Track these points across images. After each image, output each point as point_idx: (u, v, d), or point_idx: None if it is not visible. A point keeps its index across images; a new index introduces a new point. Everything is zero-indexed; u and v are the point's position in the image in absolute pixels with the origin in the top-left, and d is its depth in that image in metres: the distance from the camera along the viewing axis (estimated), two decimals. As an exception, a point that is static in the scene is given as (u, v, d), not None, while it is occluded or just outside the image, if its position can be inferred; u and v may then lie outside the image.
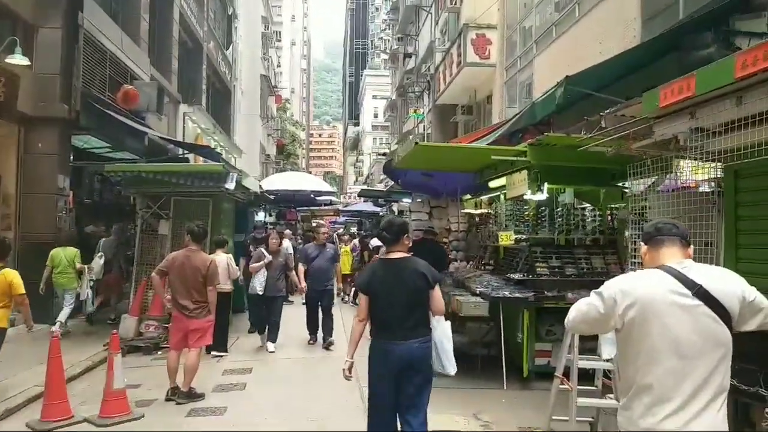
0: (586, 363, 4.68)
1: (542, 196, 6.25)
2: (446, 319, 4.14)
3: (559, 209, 6.80)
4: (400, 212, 16.08)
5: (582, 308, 2.54)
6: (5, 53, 8.91)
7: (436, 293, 4.00)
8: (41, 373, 6.28)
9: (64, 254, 9.20)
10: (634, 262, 4.93)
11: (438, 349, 4.01)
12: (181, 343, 6.36)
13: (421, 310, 3.97)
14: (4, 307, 5.91)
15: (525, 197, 6.41)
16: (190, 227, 6.72)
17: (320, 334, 9.27)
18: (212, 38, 22.87)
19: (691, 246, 2.58)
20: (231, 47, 27.39)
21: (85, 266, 9.45)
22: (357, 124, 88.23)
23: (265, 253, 8.68)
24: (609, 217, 6.65)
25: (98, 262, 9.75)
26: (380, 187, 34.23)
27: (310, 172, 73.88)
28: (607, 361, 4.49)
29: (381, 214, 24.43)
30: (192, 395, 6.23)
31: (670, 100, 4.10)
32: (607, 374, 4.90)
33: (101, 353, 8.03)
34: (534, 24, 13.95)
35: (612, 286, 2.45)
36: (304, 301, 9.56)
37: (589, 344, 5.27)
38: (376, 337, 4.04)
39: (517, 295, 6.15)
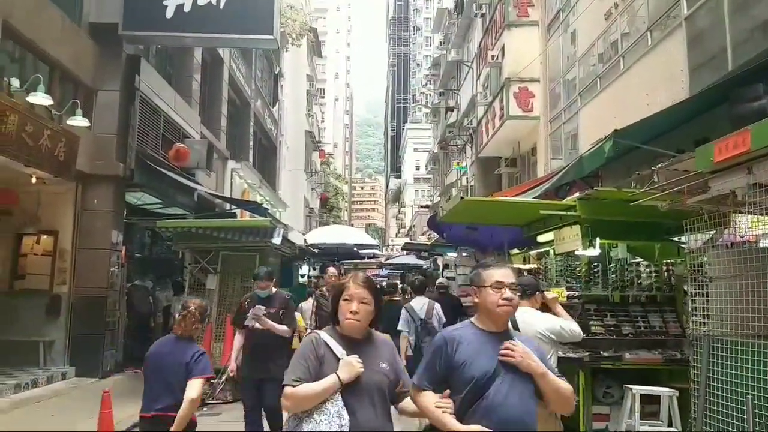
0: (648, 428, 4.44)
1: (595, 251, 6.10)
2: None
3: (612, 265, 6.61)
4: (445, 266, 15.95)
5: None
6: (67, 115, 9.37)
7: None
8: (90, 427, 6.33)
9: None
10: (696, 321, 4.72)
11: None
12: None
13: None
14: None
15: (576, 252, 6.27)
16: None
17: None
18: (259, 96, 23.65)
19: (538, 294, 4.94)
20: (277, 105, 28.25)
21: None
22: (399, 177, 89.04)
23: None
24: (666, 273, 6.42)
25: None
26: (423, 239, 34.19)
27: (352, 225, 74.56)
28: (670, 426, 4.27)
29: (424, 267, 24.32)
30: None
31: (725, 155, 3.99)
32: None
33: (148, 409, 8.05)
34: (578, 76, 13.97)
35: None
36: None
37: (650, 408, 5.03)
38: None
39: (571, 354, 5.91)
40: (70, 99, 9.68)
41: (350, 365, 2.63)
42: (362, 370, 2.64)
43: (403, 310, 7.77)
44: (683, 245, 6.59)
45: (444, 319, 7.46)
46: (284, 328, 5.71)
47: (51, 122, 8.96)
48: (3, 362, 9.76)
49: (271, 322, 5.60)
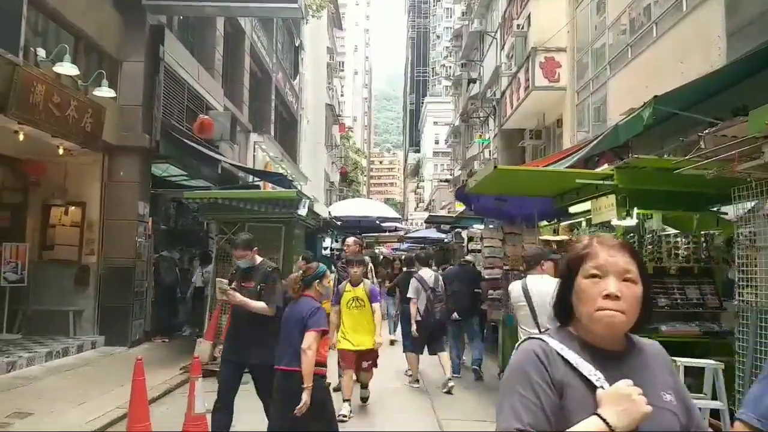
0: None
1: (631, 222, 5.95)
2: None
3: (649, 236, 6.45)
4: (470, 239, 15.83)
5: None
6: (93, 86, 9.34)
7: None
8: (121, 395, 6.42)
9: None
10: (740, 293, 4.58)
11: None
12: None
13: None
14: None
15: (612, 223, 6.12)
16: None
17: None
18: (280, 69, 23.48)
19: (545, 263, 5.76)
20: (298, 77, 28.05)
21: None
22: (417, 151, 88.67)
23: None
24: (704, 244, 6.24)
25: None
26: (442, 213, 34.02)
27: (371, 199, 74.51)
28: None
29: (446, 240, 24.21)
30: None
31: (781, 118, 3.82)
32: (713, 414, 4.54)
33: (178, 376, 8.14)
34: (607, 44, 13.60)
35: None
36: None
37: (689, 381, 4.92)
38: None
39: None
40: (95, 70, 9.62)
41: (628, 400, 1.35)
42: (649, 409, 1.35)
43: (413, 279, 8.45)
44: (723, 215, 6.42)
45: (442, 290, 8.48)
46: (261, 305, 4.97)
47: (77, 93, 8.93)
48: (34, 331, 9.96)
49: (242, 298, 4.95)
